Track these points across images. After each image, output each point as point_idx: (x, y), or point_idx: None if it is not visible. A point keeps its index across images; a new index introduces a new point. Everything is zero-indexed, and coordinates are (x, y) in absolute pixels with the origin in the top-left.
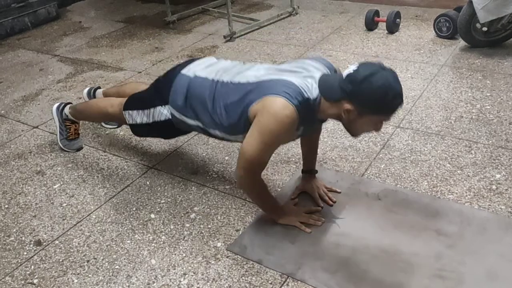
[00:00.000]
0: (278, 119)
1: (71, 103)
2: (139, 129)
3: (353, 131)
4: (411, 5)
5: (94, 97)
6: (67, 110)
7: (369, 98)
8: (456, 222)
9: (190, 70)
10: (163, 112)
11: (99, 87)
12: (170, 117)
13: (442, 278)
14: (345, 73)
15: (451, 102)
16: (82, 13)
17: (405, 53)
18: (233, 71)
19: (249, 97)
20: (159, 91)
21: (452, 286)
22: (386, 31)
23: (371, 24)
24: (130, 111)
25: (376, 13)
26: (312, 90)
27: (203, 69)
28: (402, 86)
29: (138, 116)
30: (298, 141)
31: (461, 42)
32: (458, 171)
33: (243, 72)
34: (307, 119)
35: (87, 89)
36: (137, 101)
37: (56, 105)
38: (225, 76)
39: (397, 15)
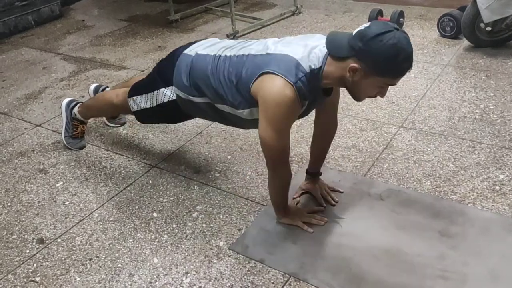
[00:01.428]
0: (279, 101)
1: (82, 102)
2: (144, 115)
3: (357, 94)
4: (414, 5)
5: None
6: (76, 109)
7: (379, 57)
8: (459, 223)
9: (192, 50)
10: (167, 93)
11: (107, 87)
12: (174, 98)
13: (445, 278)
14: (355, 30)
15: (455, 102)
16: (85, 11)
17: None
18: (237, 47)
19: (250, 71)
20: (162, 72)
21: (455, 287)
22: None
23: None
24: (134, 97)
25: (380, 12)
26: (315, 60)
27: (205, 48)
28: (406, 86)
29: (142, 101)
30: (308, 139)
31: (465, 42)
32: (462, 172)
33: (246, 46)
34: (310, 92)
35: (94, 85)
36: (140, 87)
37: (66, 101)
38: (228, 52)
39: (401, 14)
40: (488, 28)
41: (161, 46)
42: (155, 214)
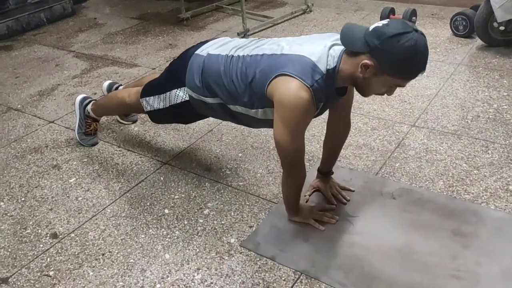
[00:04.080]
0: (295, 104)
1: (95, 100)
2: (157, 115)
3: (365, 90)
4: (427, 3)
5: None
6: (89, 107)
7: (394, 58)
8: (472, 222)
9: (204, 50)
10: (179, 94)
11: (121, 85)
12: (187, 99)
13: (458, 278)
14: (372, 26)
15: (468, 102)
16: (97, 9)
17: None
18: (250, 47)
19: (265, 71)
20: (174, 73)
21: (468, 287)
22: None
23: None
24: (147, 98)
25: (392, 11)
26: (331, 60)
27: (217, 47)
28: (418, 85)
29: (155, 102)
30: (319, 138)
31: (478, 41)
32: (475, 171)
33: (260, 46)
34: (325, 94)
35: (107, 82)
36: (152, 87)
37: (79, 98)
38: (241, 51)
39: (413, 13)
40: (501, 28)
41: (172, 44)
42: (166, 211)
